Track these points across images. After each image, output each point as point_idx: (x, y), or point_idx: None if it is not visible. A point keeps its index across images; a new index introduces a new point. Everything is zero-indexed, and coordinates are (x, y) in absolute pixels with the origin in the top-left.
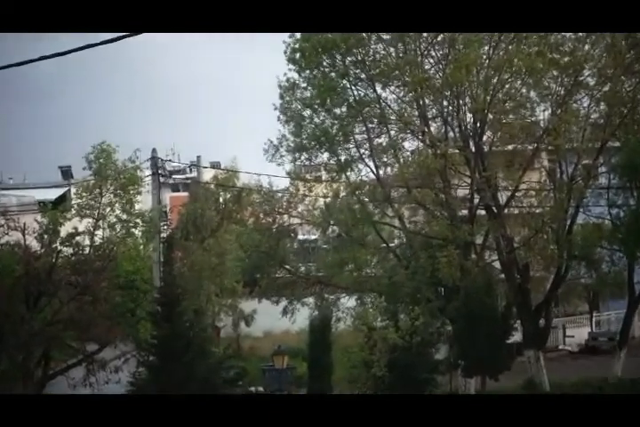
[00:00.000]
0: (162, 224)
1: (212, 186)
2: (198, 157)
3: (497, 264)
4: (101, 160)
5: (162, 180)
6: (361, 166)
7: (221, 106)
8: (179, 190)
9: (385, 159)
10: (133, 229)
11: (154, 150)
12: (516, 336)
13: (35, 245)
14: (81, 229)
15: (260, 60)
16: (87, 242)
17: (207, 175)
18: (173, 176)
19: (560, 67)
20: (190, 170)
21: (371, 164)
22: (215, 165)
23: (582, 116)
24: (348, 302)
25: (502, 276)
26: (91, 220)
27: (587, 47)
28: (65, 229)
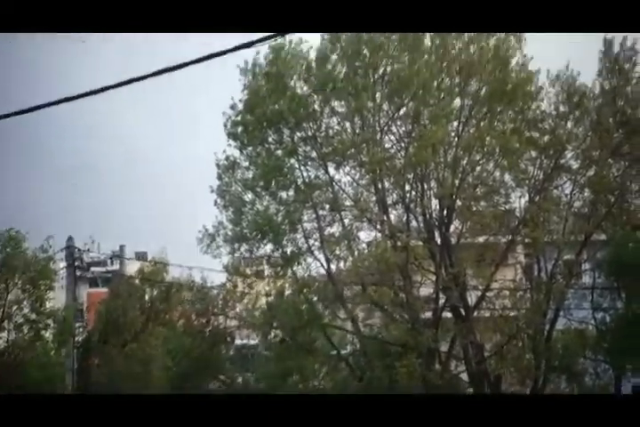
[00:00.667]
0: (77, 325)
1: (137, 281)
2: (121, 246)
3: (465, 376)
4: (8, 249)
5: (78, 273)
6: (310, 260)
7: (150, 188)
8: (98, 285)
9: (337, 252)
10: (43, 331)
11: (70, 238)
12: None
13: None
14: None
15: (196, 134)
16: None
17: (131, 268)
18: (92, 269)
19: (539, 147)
20: (112, 262)
21: (321, 257)
22: (141, 257)
23: (564, 205)
24: None
25: (470, 390)
26: None
27: (569, 125)
28: None
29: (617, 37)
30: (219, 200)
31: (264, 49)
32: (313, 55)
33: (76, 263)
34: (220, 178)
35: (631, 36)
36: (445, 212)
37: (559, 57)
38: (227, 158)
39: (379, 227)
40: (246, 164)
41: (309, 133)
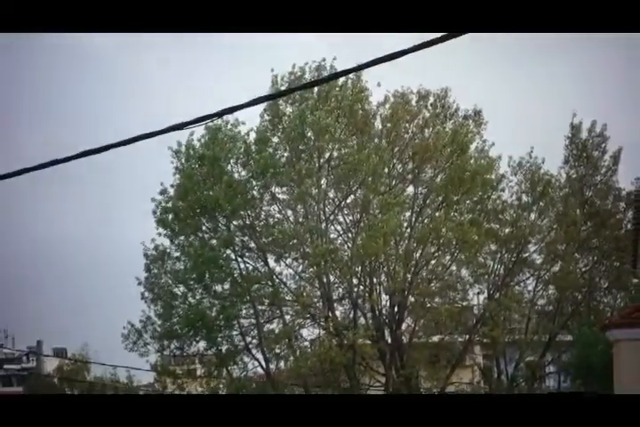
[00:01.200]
0: None
1: (56, 380)
2: (39, 341)
3: None
4: None
5: None
6: (247, 359)
7: (71, 277)
8: (12, 384)
9: (277, 350)
10: None
11: None
12: None
13: None
14: None
15: (122, 221)
16: None
17: (50, 366)
18: (5, 366)
19: (499, 240)
20: (28, 358)
21: (259, 356)
22: (60, 353)
23: (527, 302)
24: None
25: None
26: None
27: (533, 216)
28: None
29: (585, 123)
30: (146, 293)
31: (199, 130)
32: (253, 137)
33: None
34: (148, 269)
35: (600, 122)
36: (396, 308)
37: (522, 143)
38: (156, 248)
39: (323, 324)
40: (177, 254)
41: (247, 222)
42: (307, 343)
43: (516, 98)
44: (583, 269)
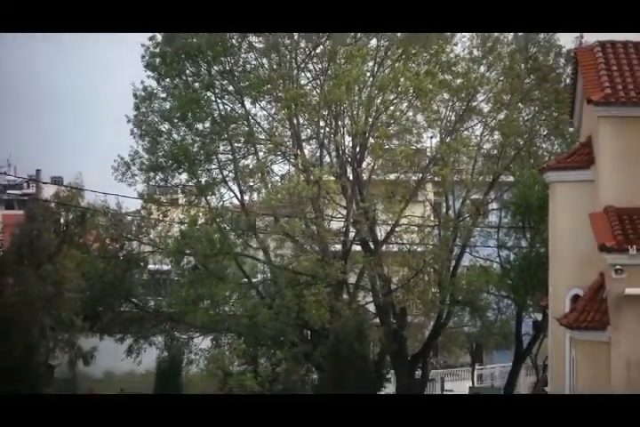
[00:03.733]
0: None
1: (53, 204)
2: (38, 170)
3: (371, 307)
4: None
5: None
6: (223, 190)
7: (68, 114)
8: (13, 208)
9: (251, 183)
10: None
11: None
12: (389, 388)
13: None
14: None
15: (115, 64)
16: None
17: (47, 192)
18: (8, 191)
19: (452, 89)
20: (28, 185)
21: (235, 188)
22: (57, 181)
23: (474, 146)
24: (202, 342)
25: (377, 320)
26: None
27: (482, 69)
28: None
29: None
30: (135, 130)
31: None
32: None
33: None
34: (136, 108)
35: None
36: (358, 149)
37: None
38: (144, 89)
39: (292, 161)
40: (163, 95)
41: (227, 68)
42: (277, 178)
43: None
44: (525, 118)
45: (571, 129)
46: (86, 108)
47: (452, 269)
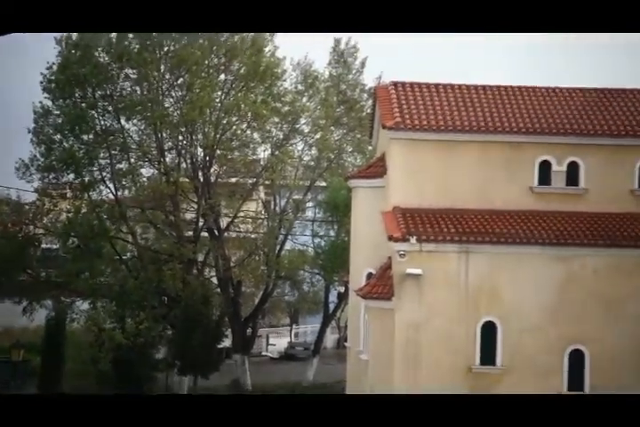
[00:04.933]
0: None
1: None
2: None
3: (215, 280)
4: None
5: None
6: (102, 187)
7: None
8: None
9: (124, 182)
10: None
11: None
12: (227, 342)
13: None
14: None
15: (17, 87)
16: None
17: None
18: None
19: (280, 114)
20: None
21: (111, 186)
22: None
23: (296, 158)
24: (82, 305)
25: (218, 290)
26: None
27: (304, 99)
28: None
29: (344, 37)
30: (34, 139)
31: None
32: (114, 33)
33: None
34: (35, 122)
35: (354, 38)
36: (207, 158)
37: (300, 48)
38: (42, 107)
39: (156, 166)
40: (57, 112)
41: (107, 92)
42: (144, 179)
43: None
44: (336, 138)
45: (370, 147)
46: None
47: (277, 251)
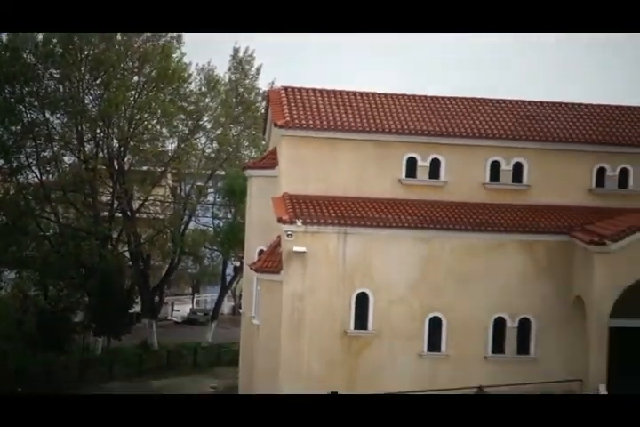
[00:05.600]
0: None
1: None
2: None
3: (127, 254)
4: None
5: None
6: (28, 172)
7: None
8: None
9: (48, 168)
10: None
11: None
12: (137, 308)
13: None
14: None
15: None
16: None
17: None
18: None
19: (186, 112)
20: None
21: (36, 171)
22: None
23: (199, 150)
24: (10, 275)
25: (130, 263)
26: None
27: (207, 100)
28: None
29: (242, 46)
30: None
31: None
32: (40, 37)
33: None
34: None
35: (251, 47)
36: (122, 148)
37: (205, 55)
38: None
39: (77, 154)
40: None
41: (34, 89)
42: (66, 165)
43: None
44: (234, 134)
45: (263, 142)
46: None
47: (181, 230)
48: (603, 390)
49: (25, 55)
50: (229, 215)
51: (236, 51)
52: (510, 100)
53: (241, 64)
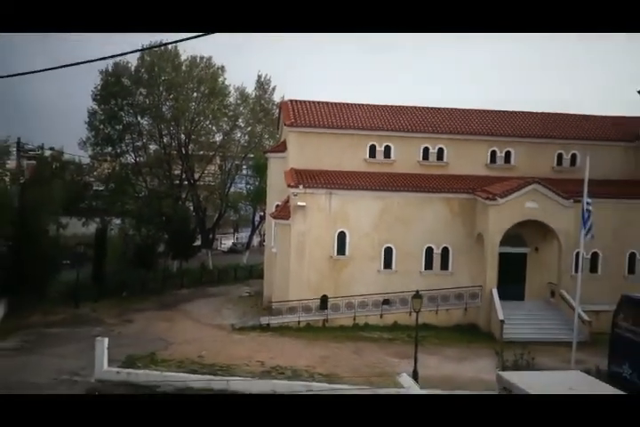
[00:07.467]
0: None
1: None
2: None
3: (191, 208)
4: None
5: None
6: (128, 156)
7: None
8: None
9: (139, 153)
10: None
11: None
12: (198, 242)
13: None
14: None
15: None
16: None
17: None
18: None
19: (228, 116)
20: None
21: (132, 154)
22: None
23: (236, 141)
24: (117, 221)
25: (194, 213)
26: None
27: (241, 108)
28: None
29: (263, 73)
30: (88, 127)
31: None
32: (133, 67)
33: None
34: (89, 117)
35: (269, 74)
36: (187, 140)
37: (239, 79)
38: (92, 110)
39: (158, 144)
40: (101, 113)
41: (130, 102)
42: (151, 151)
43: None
44: (259, 130)
45: (277, 135)
46: None
47: (226, 192)
48: (495, 293)
49: (123, 79)
50: (257, 183)
51: (259, 76)
52: (437, 108)
53: (262, 85)
